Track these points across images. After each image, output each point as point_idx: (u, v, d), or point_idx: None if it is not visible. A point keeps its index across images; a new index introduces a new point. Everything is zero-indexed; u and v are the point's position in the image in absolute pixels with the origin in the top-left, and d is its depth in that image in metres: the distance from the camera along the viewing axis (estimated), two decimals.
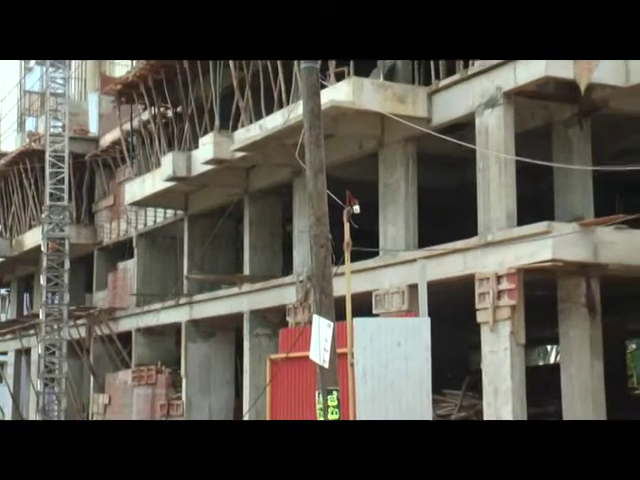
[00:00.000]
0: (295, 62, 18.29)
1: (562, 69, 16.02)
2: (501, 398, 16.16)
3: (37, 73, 40.55)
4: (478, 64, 17.30)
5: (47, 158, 28.79)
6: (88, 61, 40.16)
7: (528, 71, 16.28)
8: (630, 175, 16.38)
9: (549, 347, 39.62)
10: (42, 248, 29.28)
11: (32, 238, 33.62)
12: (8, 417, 37.97)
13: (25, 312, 39.82)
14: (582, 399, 16.55)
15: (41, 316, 29.35)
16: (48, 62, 28.93)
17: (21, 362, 39.15)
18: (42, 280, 29.12)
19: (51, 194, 28.79)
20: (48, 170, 28.75)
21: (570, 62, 15.99)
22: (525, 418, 16.20)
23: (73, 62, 34.77)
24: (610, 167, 16.49)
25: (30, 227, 34.72)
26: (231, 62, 22.29)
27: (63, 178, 28.85)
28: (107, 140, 33.11)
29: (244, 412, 22.55)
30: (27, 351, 37.03)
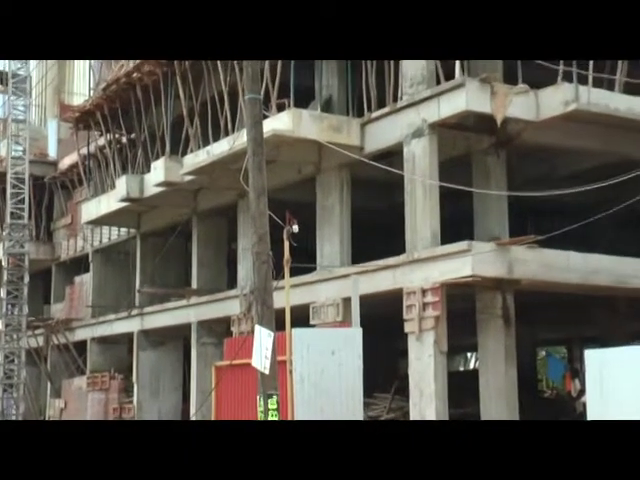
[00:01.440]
0: (240, 93, 18.22)
1: (481, 104, 16.22)
2: (425, 400, 16.22)
3: None
4: (406, 98, 17.45)
5: (8, 180, 28.37)
6: (48, 90, 39.68)
7: (451, 105, 16.45)
8: (540, 200, 16.67)
9: (469, 354, 39.88)
10: (3, 263, 28.85)
11: None
12: None
13: None
14: (497, 401, 16.68)
15: (0, 326, 28.83)
16: (10, 90, 28.58)
17: None
18: (2, 293, 28.63)
19: (12, 213, 28.36)
20: (9, 191, 28.33)
21: (488, 98, 16.21)
22: (447, 418, 16.30)
23: (34, 90, 34.27)
24: (523, 193, 16.70)
25: None
26: (181, 92, 22.22)
27: (23, 198, 28.50)
28: (65, 163, 32.82)
29: (191, 415, 22.37)
30: None
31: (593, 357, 13.43)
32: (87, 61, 30.48)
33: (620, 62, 16.77)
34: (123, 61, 25.35)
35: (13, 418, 27.94)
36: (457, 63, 16.52)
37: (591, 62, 16.19)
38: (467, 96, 16.08)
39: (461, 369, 39.96)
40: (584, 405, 13.97)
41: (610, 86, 16.87)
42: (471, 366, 38.72)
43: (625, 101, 16.68)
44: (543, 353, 36.38)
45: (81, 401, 28.18)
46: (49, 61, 37.88)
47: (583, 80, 16.17)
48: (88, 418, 27.19)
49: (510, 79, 16.77)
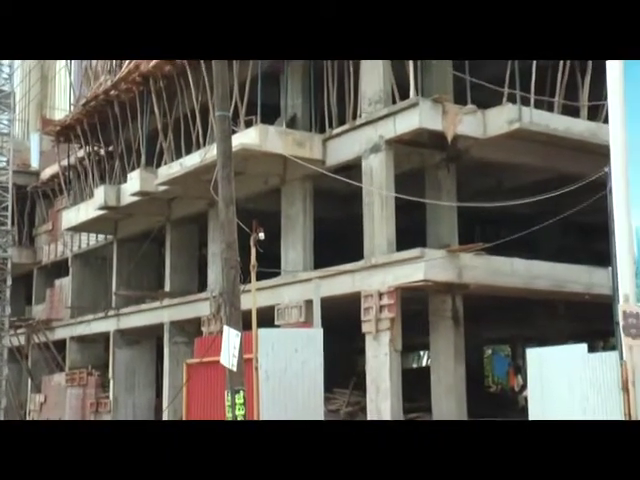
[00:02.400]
0: (211, 110, 18.14)
1: (433, 122, 16.31)
2: (381, 395, 16.24)
3: None
4: (365, 116, 17.49)
5: None
6: (31, 105, 39.24)
7: (405, 123, 16.52)
8: (487, 210, 16.78)
9: (421, 352, 39.97)
10: None
11: None
12: None
13: None
14: (447, 396, 16.76)
15: None
16: None
17: None
18: None
19: None
20: None
21: (440, 117, 16.30)
22: (401, 412, 16.31)
23: (17, 105, 33.87)
24: (471, 204, 16.81)
25: None
26: (156, 109, 22.08)
27: (7, 206, 28.06)
28: (47, 174, 32.48)
29: (164, 409, 22.21)
30: None
31: (534, 355, 13.56)
32: (68, 78, 30.13)
33: (559, 86, 16.97)
34: (102, 79, 25.21)
35: None
36: (412, 84, 16.61)
37: (533, 85, 16.38)
38: (420, 115, 16.17)
39: (414, 366, 40.03)
40: (526, 399, 14.06)
41: (550, 108, 17.07)
42: (423, 363, 38.81)
43: (563, 122, 16.89)
44: (489, 351, 36.62)
45: (60, 396, 27.88)
46: (32, 78, 37.55)
47: (526, 102, 16.34)
48: (67, 412, 26.91)
49: (460, 100, 16.89)
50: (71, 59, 27.21)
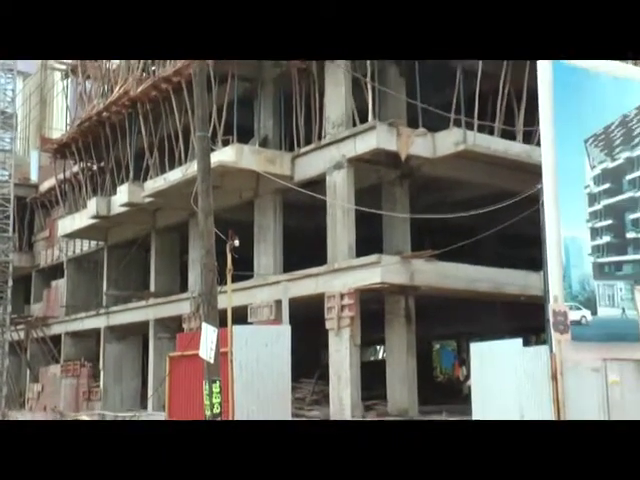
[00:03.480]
0: (192, 131, 18.04)
1: (389, 143, 16.39)
2: (342, 384, 16.23)
3: None
4: (329, 137, 17.51)
5: None
6: (31, 125, 38.76)
7: (365, 143, 16.57)
8: (436, 221, 16.82)
9: (378, 347, 40.04)
10: None
11: None
12: None
13: None
14: (400, 385, 16.80)
15: None
16: None
17: None
18: None
19: None
20: None
21: (394, 138, 16.37)
22: (360, 400, 16.31)
23: (19, 125, 33.47)
24: (422, 215, 16.88)
25: None
26: (143, 129, 21.96)
27: (9, 215, 27.86)
28: (45, 186, 32.20)
29: (148, 397, 22.01)
30: None
31: (476, 349, 13.63)
32: (65, 101, 29.82)
33: (498, 112, 17.13)
34: (95, 102, 25.02)
35: None
36: (370, 109, 16.67)
37: (476, 112, 16.51)
38: (378, 137, 16.23)
39: (372, 359, 40.05)
40: (469, 387, 14.12)
41: (491, 132, 17.23)
42: (380, 356, 38.87)
43: (502, 144, 17.05)
44: (437, 346, 36.73)
45: (55, 385, 27.63)
46: (32, 101, 37.15)
47: (470, 126, 16.48)
48: (61, 400, 26.63)
49: (412, 124, 16.99)
50: (68, 59, 26.32)
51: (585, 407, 11.36)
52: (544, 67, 13.03)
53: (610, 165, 13.88)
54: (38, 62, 38.75)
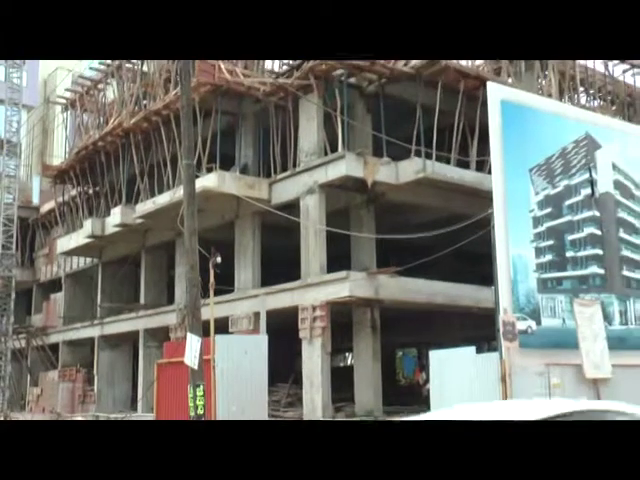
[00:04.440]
0: (179, 159, 17.95)
1: (356, 171, 16.44)
2: (315, 388, 16.14)
3: None
4: (302, 165, 17.53)
5: (1, 220, 27.40)
6: (34, 153, 38.40)
7: (335, 171, 16.61)
8: (399, 241, 16.91)
9: (347, 354, 39.87)
10: None
11: None
12: None
13: None
14: (367, 388, 16.75)
15: None
16: (4, 153, 27.60)
17: None
18: None
19: (2, 245, 27.36)
20: (1, 228, 27.32)
21: (362, 166, 16.43)
22: (330, 402, 16.22)
23: (23, 153, 33.12)
24: (386, 236, 16.95)
25: None
26: (135, 157, 21.85)
27: (12, 234, 27.55)
28: (45, 208, 31.90)
29: (138, 399, 21.70)
30: None
31: (435, 355, 13.65)
32: (64, 132, 29.58)
33: (454, 144, 17.28)
34: (91, 132, 24.88)
35: (0, 402, 26.86)
36: (340, 140, 16.72)
37: (434, 143, 16.63)
38: (347, 165, 16.29)
39: (341, 365, 39.88)
40: (428, 390, 14.11)
41: (448, 161, 17.36)
42: (348, 363, 38.72)
43: (457, 172, 17.19)
44: (400, 353, 36.69)
45: (54, 389, 27.23)
46: (35, 131, 36.83)
47: (429, 156, 16.60)
48: (59, 402, 26.23)
49: (377, 153, 17.08)
50: (68, 59, 26.00)
51: None
52: (494, 105, 13.22)
53: (552, 192, 14.07)
54: (41, 96, 38.48)
